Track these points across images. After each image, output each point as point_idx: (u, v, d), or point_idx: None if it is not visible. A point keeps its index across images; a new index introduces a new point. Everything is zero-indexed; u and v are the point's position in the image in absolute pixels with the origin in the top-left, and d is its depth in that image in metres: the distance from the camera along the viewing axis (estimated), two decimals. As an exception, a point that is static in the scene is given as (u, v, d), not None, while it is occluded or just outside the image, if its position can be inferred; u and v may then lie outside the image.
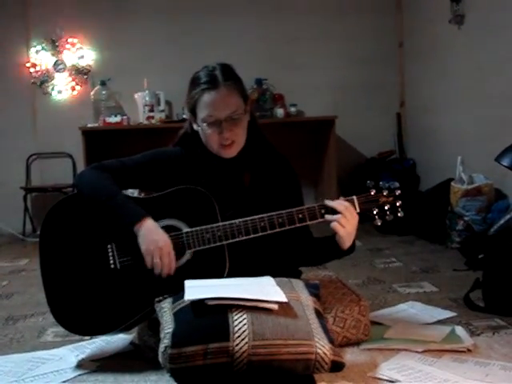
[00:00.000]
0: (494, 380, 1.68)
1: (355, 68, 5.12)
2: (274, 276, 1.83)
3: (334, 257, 2.01)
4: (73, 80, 5.04)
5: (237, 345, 1.53)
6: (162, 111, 4.85)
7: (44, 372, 1.91)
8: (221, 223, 1.86)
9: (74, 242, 1.90)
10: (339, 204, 1.86)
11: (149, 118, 4.73)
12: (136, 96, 4.84)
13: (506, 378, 1.69)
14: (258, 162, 2.03)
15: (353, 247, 1.93)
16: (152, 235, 1.81)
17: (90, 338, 2.17)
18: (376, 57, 5.14)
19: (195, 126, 1.98)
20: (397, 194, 1.92)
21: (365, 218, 1.91)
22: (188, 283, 1.73)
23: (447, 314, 2.34)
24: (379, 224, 1.91)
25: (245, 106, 1.95)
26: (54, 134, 5.00)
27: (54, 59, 5.01)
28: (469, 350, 1.92)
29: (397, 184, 1.93)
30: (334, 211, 1.86)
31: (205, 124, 1.91)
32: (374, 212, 1.90)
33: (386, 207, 1.90)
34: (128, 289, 1.87)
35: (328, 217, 1.86)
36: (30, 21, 4.98)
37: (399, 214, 1.91)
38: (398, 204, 1.91)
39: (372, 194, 1.91)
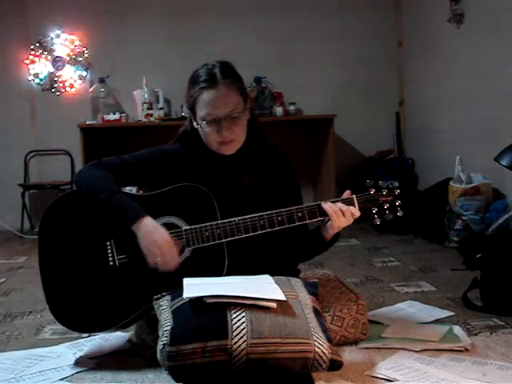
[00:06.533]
0: (492, 379, 1.69)
1: (354, 67, 5.12)
2: (272, 274, 1.83)
3: (318, 248, 2.01)
4: (71, 77, 5.04)
5: (235, 343, 1.53)
6: (161, 109, 4.84)
7: (42, 369, 1.90)
8: (220, 221, 1.86)
9: (72, 240, 1.90)
10: (332, 206, 1.87)
11: (147, 115, 4.72)
12: (135, 93, 4.83)
13: (503, 378, 1.70)
14: (258, 161, 2.03)
15: (336, 237, 1.95)
16: (151, 235, 1.80)
17: (88, 336, 2.17)
18: (375, 56, 5.14)
19: (195, 124, 1.98)
20: (396, 193, 1.93)
21: (363, 217, 1.91)
22: (187, 281, 1.72)
23: (445, 313, 2.34)
24: (378, 223, 1.92)
25: (244, 104, 1.94)
26: (53, 131, 4.99)
27: (52, 56, 5.00)
28: (466, 350, 1.93)
29: (396, 183, 1.94)
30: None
31: (204, 122, 1.91)
32: (374, 211, 1.91)
33: (386, 206, 1.91)
34: (127, 286, 1.87)
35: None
36: (29, 18, 4.97)
37: (398, 214, 1.92)
38: (397, 203, 1.92)
39: (371, 193, 1.92)
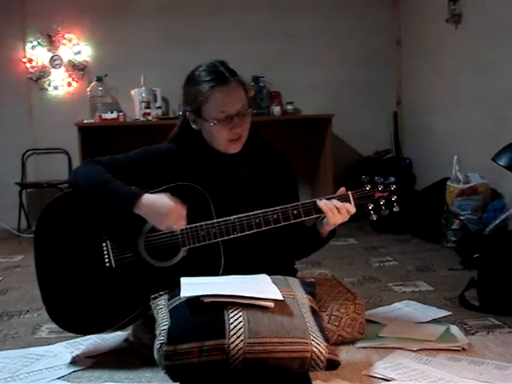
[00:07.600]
0: (489, 379, 1.69)
1: (352, 66, 5.12)
2: (269, 273, 1.83)
3: (315, 245, 2.02)
4: (69, 76, 5.03)
5: (232, 342, 1.53)
6: (159, 108, 4.83)
7: (39, 368, 1.90)
8: (215, 220, 1.86)
9: (69, 240, 1.90)
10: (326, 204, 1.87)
11: (145, 114, 4.72)
12: (132, 92, 4.83)
13: (500, 377, 1.70)
14: (254, 157, 2.02)
15: (333, 233, 1.96)
16: (154, 210, 1.79)
17: (85, 335, 2.16)
18: (373, 55, 5.14)
19: (194, 126, 1.95)
20: (392, 188, 1.91)
21: (360, 214, 1.91)
22: (184, 280, 1.72)
23: (442, 312, 2.34)
24: (374, 219, 1.90)
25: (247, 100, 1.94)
26: (50, 129, 4.98)
27: (50, 55, 4.99)
28: (463, 349, 1.93)
29: (392, 179, 1.93)
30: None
31: (216, 121, 1.88)
32: (370, 207, 1.90)
33: (381, 202, 1.90)
34: (123, 287, 1.87)
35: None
36: (26, 16, 4.96)
37: (395, 209, 1.90)
38: (393, 199, 1.90)
39: (367, 189, 1.91)
